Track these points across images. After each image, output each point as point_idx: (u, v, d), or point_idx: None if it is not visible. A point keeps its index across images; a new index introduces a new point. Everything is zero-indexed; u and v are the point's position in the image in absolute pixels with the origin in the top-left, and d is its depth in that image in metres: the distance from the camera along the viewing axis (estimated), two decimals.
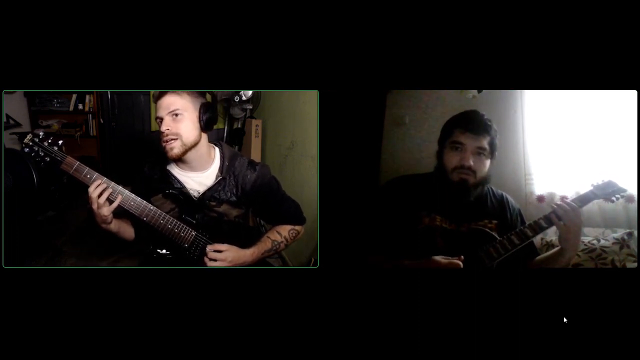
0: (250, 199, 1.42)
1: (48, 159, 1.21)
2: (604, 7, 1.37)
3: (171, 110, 1.29)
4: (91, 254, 2.55)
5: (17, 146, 2.50)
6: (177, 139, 1.29)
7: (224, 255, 1.33)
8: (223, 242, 1.37)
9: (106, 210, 1.24)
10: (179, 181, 1.38)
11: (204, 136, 1.37)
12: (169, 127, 1.29)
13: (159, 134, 1.32)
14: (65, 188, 3.10)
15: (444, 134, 1.43)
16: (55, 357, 1.35)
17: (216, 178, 1.37)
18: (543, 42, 1.40)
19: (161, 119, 1.31)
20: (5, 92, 1.46)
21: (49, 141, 1.21)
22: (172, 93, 1.31)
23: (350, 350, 1.37)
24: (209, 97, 1.48)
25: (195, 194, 1.38)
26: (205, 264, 1.33)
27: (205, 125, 1.34)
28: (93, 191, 1.22)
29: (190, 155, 1.34)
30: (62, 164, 1.22)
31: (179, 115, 1.30)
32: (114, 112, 3.76)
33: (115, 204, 1.25)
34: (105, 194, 1.23)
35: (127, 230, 1.39)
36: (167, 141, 1.29)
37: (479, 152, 1.36)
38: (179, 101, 1.30)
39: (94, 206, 1.23)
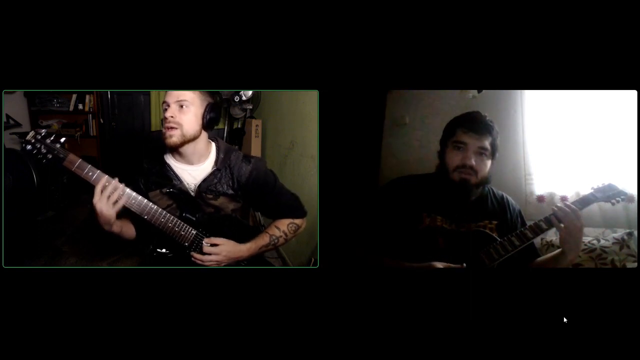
0: (246, 192, 1.43)
1: (50, 157, 1.20)
2: (604, 7, 1.37)
3: (179, 99, 1.32)
4: (91, 254, 2.55)
5: (17, 146, 2.50)
6: (177, 128, 1.32)
7: (219, 249, 1.33)
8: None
9: (113, 210, 1.23)
10: (175, 174, 1.38)
11: (204, 133, 1.39)
12: (173, 115, 1.31)
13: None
14: (65, 188, 3.11)
15: (446, 134, 1.43)
16: (55, 357, 1.35)
17: (211, 169, 1.39)
18: (543, 42, 1.40)
19: (168, 106, 1.33)
20: (5, 92, 1.46)
21: (52, 139, 1.21)
22: None
23: (350, 350, 1.37)
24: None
25: (192, 188, 1.39)
26: (201, 259, 1.33)
27: (207, 123, 1.37)
28: (104, 188, 1.21)
29: (187, 149, 1.36)
30: (64, 161, 1.21)
31: (185, 107, 1.32)
32: (114, 112, 3.76)
33: (120, 203, 1.24)
34: (116, 193, 1.23)
35: (129, 230, 1.39)
36: (168, 128, 1.32)
37: (481, 152, 1.36)
38: (189, 93, 1.33)
39: (101, 204, 1.21)
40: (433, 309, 1.38)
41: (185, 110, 1.32)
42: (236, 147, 1.42)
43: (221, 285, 1.40)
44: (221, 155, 1.40)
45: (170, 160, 1.40)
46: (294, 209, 1.48)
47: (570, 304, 1.37)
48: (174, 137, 1.32)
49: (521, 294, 1.37)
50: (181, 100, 1.32)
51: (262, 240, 1.41)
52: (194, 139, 1.35)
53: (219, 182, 1.39)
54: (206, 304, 1.39)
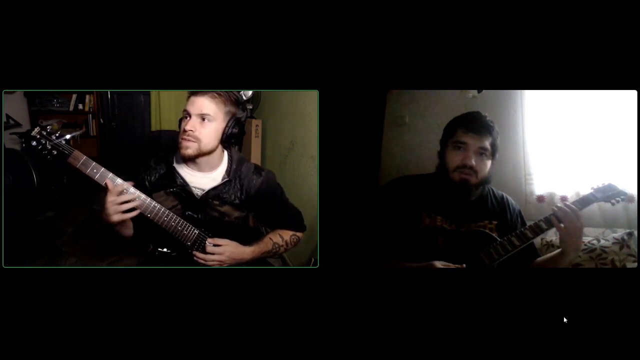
0: (253, 204, 1.43)
1: (55, 152, 1.20)
2: (604, 7, 1.37)
3: (202, 112, 1.28)
4: (91, 254, 2.55)
5: (17, 146, 2.50)
6: (195, 142, 1.29)
7: (222, 249, 1.33)
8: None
9: (121, 217, 1.22)
10: (183, 179, 1.37)
11: (220, 145, 1.37)
12: (193, 129, 1.28)
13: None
14: (65, 188, 3.11)
15: (447, 134, 1.43)
16: (55, 357, 1.35)
17: (222, 180, 1.38)
18: (543, 42, 1.40)
19: (189, 116, 1.29)
20: (5, 92, 1.46)
21: (57, 135, 1.21)
22: (210, 96, 1.29)
23: (350, 350, 1.37)
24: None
25: (199, 192, 1.38)
26: (203, 259, 1.33)
27: (227, 139, 1.34)
28: (121, 193, 1.21)
29: (201, 159, 1.34)
30: (70, 157, 1.21)
31: (207, 121, 1.29)
32: (114, 112, 3.77)
33: (131, 214, 1.23)
34: (131, 203, 1.22)
35: (128, 228, 1.38)
36: (185, 139, 1.29)
37: (481, 152, 1.36)
38: (212, 107, 1.29)
39: (116, 217, 1.21)
40: (433, 309, 1.38)
41: (206, 124, 1.29)
42: (240, 152, 1.40)
43: (221, 285, 1.39)
44: (233, 166, 1.39)
45: (180, 166, 1.39)
46: (298, 222, 1.50)
47: (570, 304, 1.37)
48: (190, 149, 1.29)
49: (521, 294, 1.37)
50: (204, 114, 1.28)
51: (266, 246, 1.42)
52: (210, 152, 1.33)
53: (227, 192, 1.38)
54: (206, 304, 1.39)
